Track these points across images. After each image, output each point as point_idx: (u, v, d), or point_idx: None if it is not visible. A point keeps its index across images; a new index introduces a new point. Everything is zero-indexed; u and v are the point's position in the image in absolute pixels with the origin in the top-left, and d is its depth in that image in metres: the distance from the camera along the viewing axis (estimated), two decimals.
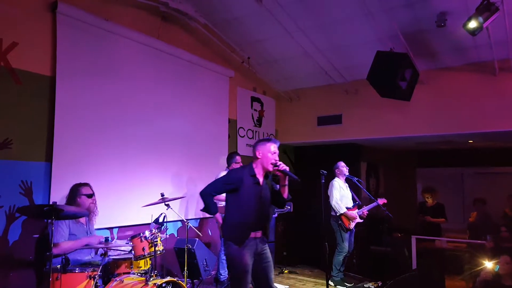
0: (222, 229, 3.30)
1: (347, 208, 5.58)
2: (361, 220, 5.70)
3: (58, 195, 3.88)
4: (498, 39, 4.83)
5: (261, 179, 3.23)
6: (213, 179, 5.08)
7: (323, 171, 3.93)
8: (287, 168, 3.12)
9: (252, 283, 3.18)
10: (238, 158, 5.22)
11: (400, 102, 5.54)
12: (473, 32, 4.12)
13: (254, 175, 3.19)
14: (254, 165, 3.24)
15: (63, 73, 4.13)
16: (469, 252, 5.92)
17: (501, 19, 4.31)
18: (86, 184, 3.68)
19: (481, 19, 3.95)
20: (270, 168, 3.15)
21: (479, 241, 5.27)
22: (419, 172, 9.88)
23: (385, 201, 5.65)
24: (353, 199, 5.80)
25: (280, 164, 3.11)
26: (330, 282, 5.56)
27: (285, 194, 3.25)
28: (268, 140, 3.24)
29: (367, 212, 5.78)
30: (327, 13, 5.09)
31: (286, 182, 3.21)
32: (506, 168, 8.54)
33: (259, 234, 3.14)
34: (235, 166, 5.18)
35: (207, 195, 3.24)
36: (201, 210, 3.42)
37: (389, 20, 4.77)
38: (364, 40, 5.50)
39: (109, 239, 3.38)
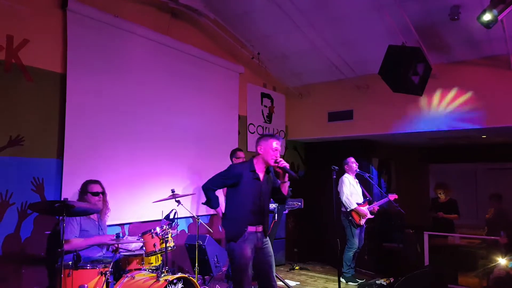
0: (222, 224, 3.36)
1: (358, 204, 5.53)
2: (372, 216, 5.65)
3: (70, 191, 3.91)
4: None
5: (261, 175, 3.27)
6: None
7: (334, 166, 3.91)
8: (287, 165, 3.17)
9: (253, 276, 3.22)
10: (239, 153, 5.22)
11: (412, 97, 5.46)
12: (488, 25, 4.01)
13: (254, 171, 3.22)
14: (255, 161, 3.28)
15: (73, 70, 4.15)
16: (483, 248, 5.83)
17: None
18: (95, 182, 3.70)
19: (495, 11, 3.85)
20: (271, 163, 3.20)
21: (492, 237, 5.18)
22: (431, 168, 9.75)
23: (396, 196, 5.59)
24: (363, 194, 5.75)
25: (280, 161, 3.16)
26: (341, 279, 5.51)
27: (285, 190, 3.29)
28: (271, 136, 3.27)
29: (378, 208, 5.73)
30: (337, 7, 5.03)
31: (286, 179, 3.25)
32: None
33: (260, 228, 3.19)
34: (235, 161, 5.18)
35: (208, 189, 3.29)
36: (202, 203, 3.48)
37: (400, 13, 4.68)
38: (375, 34, 5.42)
39: (120, 235, 3.40)
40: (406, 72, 4.80)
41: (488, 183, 8.67)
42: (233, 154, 5.26)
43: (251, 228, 3.14)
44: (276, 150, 3.21)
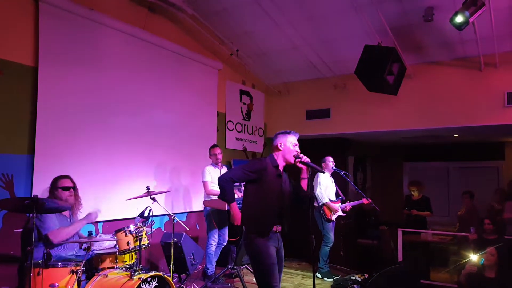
0: (243, 221, 3.05)
1: (331, 201, 5.61)
2: (343, 214, 5.74)
3: (41, 188, 3.79)
4: (484, 34, 4.87)
5: (281, 172, 3.11)
6: (201, 173, 5.14)
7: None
8: (309, 160, 2.99)
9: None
10: (215, 149, 5.21)
11: (387, 96, 5.56)
12: (460, 27, 4.14)
13: (277, 166, 3.06)
14: (275, 157, 3.10)
15: (46, 63, 4.03)
16: (454, 245, 6.01)
17: (487, 15, 4.34)
18: (65, 177, 3.59)
19: (467, 13, 3.97)
20: (292, 160, 3.03)
21: (463, 234, 5.35)
22: (405, 166, 9.99)
23: (370, 201, 5.67)
24: (337, 194, 5.83)
25: (302, 156, 2.99)
26: (318, 274, 5.60)
27: (305, 187, 3.11)
28: (289, 132, 3.12)
29: (350, 207, 5.81)
30: (316, 6, 5.06)
31: (307, 175, 3.07)
32: (490, 162, 8.69)
33: (279, 228, 3.01)
34: (212, 158, 5.19)
35: (227, 180, 2.99)
36: (217, 197, 3.29)
37: (377, 14, 4.76)
38: (353, 34, 5.49)
39: (93, 233, 3.33)
40: (382, 71, 4.88)
41: (460, 181, 8.95)
42: (209, 151, 5.26)
43: (273, 228, 2.96)
44: (296, 145, 3.08)
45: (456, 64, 5.84)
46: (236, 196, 4.92)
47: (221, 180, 3.01)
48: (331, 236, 5.59)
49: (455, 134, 7.17)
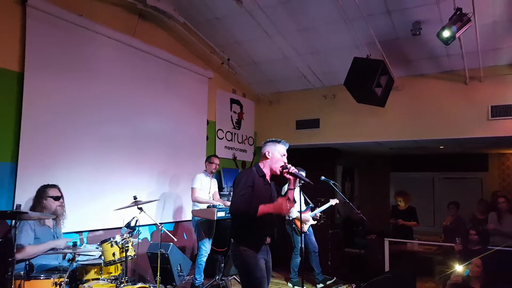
0: (233, 233, 2.95)
1: (300, 212, 5.57)
2: (315, 222, 5.74)
3: (24, 197, 3.71)
4: (469, 49, 4.98)
5: (269, 181, 3.03)
6: (190, 182, 5.10)
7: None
8: (297, 171, 2.92)
9: None
10: (213, 158, 5.22)
11: (375, 108, 5.63)
12: (447, 41, 4.22)
13: (264, 176, 2.98)
14: (261, 166, 3.02)
15: (32, 69, 3.96)
16: (439, 255, 6.08)
17: (473, 30, 4.44)
18: (54, 186, 3.53)
19: (454, 28, 4.06)
20: (278, 171, 2.95)
21: (448, 244, 5.41)
22: (392, 176, 10.09)
23: (338, 201, 5.70)
24: (305, 202, 5.84)
25: (290, 167, 2.90)
26: (289, 284, 5.67)
27: (292, 198, 2.99)
28: (279, 141, 3.02)
29: (320, 214, 5.82)
30: (307, 18, 5.11)
31: (294, 186, 2.97)
32: (474, 173, 8.85)
33: (268, 240, 2.96)
34: (208, 166, 5.18)
35: (240, 213, 2.78)
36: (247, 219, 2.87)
37: (366, 27, 4.83)
38: (343, 46, 5.55)
39: (78, 243, 3.25)
40: (370, 83, 4.95)
41: (445, 191, 9.07)
42: (207, 158, 5.28)
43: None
44: (284, 155, 2.99)
45: (442, 77, 5.95)
46: (223, 205, 4.92)
47: (233, 208, 2.80)
48: (301, 247, 5.53)
49: (440, 146, 7.28)
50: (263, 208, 2.75)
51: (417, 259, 6.31)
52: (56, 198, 3.48)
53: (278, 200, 2.81)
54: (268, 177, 3.03)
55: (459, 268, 4.19)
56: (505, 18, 4.58)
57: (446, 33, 4.14)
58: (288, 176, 2.93)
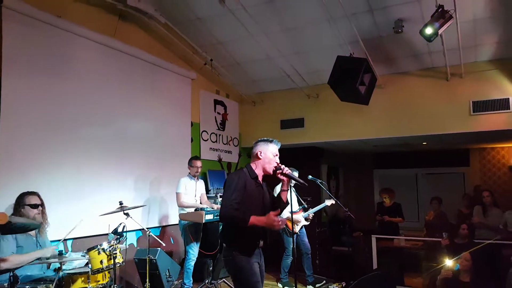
0: (223, 236, 2.86)
1: (292, 212, 5.54)
2: (307, 223, 5.73)
3: (3, 204, 3.55)
4: (451, 46, 5.07)
5: (261, 182, 2.95)
6: (175, 185, 5.00)
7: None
8: (290, 172, 2.88)
9: None
10: (195, 162, 5.09)
11: (359, 106, 5.66)
12: (429, 38, 4.28)
13: (256, 177, 2.88)
14: (253, 166, 2.93)
15: (9, 72, 3.83)
16: (424, 250, 6.16)
17: (454, 27, 4.52)
18: (33, 193, 3.40)
19: (436, 25, 4.12)
20: (271, 171, 2.88)
21: (435, 239, 5.48)
22: (376, 173, 10.20)
23: (333, 202, 5.70)
24: (298, 202, 5.83)
25: (283, 168, 2.85)
26: (279, 284, 5.66)
27: (286, 199, 2.96)
28: (271, 141, 2.94)
29: (313, 215, 5.81)
30: (290, 17, 5.10)
31: (287, 187, 2.93)
32: (456, 168, 9.04)
33: (261, 243, 2.87)
34: (190, 169, 5.06)
35: (229, 211, 2.68)
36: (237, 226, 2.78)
37: (350, 26, 4.85)
38: (326, 45, 5.57)
39: (63, 252, 3.13)
40: (353, 82, 4.97)
41: (428, 187, 9.23)
42: (189, 162, 5.13)
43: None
44: (276, 155, 2.92)
45: (424, 75, 6.05)
46: (210, 208, 4.85)
47: (224, 215, 2.70)
48: (292, 248, 5.51)
49: (423, 142, 7.40)
50: (254, 220, 2.65)
51: (404, 255, 6.37)
52: (34, 206, 3.34)
53: (270, 215, 2.70)
54: (260, 179, 2.94)
55: (449, 262, 4.24)
56: (485, 15, 4.68)
57: (428, 30, 4.20)
58: (281, 177, 2.87)
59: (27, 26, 4.00)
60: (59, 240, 4.04)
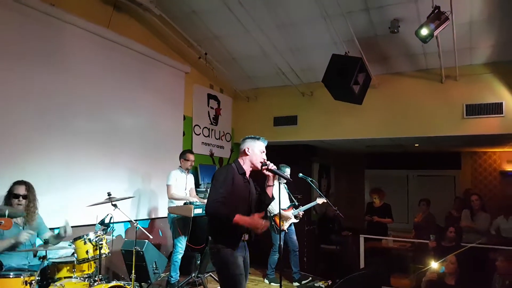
0: (209, 229, 2.91)
1: (282, 209, 5.57)
2: (296, 220, 5.74)
3: None
4: (446, 48, 5.07)
5: (248, 178, 3.03)
6: (166, 178, 4.98)
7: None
8: (276, 168, 2.94)
9: None
10: (189, 155, 5.07)
11: (352, 105, 5.66)
12: (425, 39, 4.28)
13: (244, 173, 2.97)
14: (241, 162, 3.01)
15: (0, 61, 3.76)
16: (413, 251, 6.19)
17: (449, 29, 4.53)
18: (20, 183, 3.38)
19: (432, 26, 4.12)
20: (259, 166, 2.95)
21: (423, 241, 5.51)
22: (367, 173, 10.24)
23: (325, 201, 5.70)
24: (290, 199, 5.84)
25: (269, 164, 2.93)
26: (265, 280, 5.67)
27: (271, 194, 3.04)
28: (258, 138, 3.04)
29: (303, 213, 5.82)
30: (286, 14, 5.09)
31: (273, 183, 3.01)
32: (447, 171, 9.10)
33: (246, 237, 2.92)
34: (183, 162, 5.04)
35: (218, 206, 2.73)
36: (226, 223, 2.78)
37: (345, 24, 4.85)
38: (321, 43, 5.56)
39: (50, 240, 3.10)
40: (348, 81, 4.97)
41: (419, 189, 9.28)
42: (182, 155, 5.10)
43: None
44: (263, 152, 3.01)
45: (419, 76, 6.05)
46: (199, 202, 4.84)
47: (210, 208, 2.75)
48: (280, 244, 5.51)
49: (415, 144, 7.43)
50: (238, 219, 2.70)
51: (391, 256, 6.40)
52: (15, 196, 3.31)
53: (255, 217, 2.79)
54: (248, 175, 3.02)
55: (434, 265, 4.27)
56: (482, 18, 4.70)
57: (424, 31, 4.19)
58: (267, 173, 2.95)
59: (19, 14, 3.95)
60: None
